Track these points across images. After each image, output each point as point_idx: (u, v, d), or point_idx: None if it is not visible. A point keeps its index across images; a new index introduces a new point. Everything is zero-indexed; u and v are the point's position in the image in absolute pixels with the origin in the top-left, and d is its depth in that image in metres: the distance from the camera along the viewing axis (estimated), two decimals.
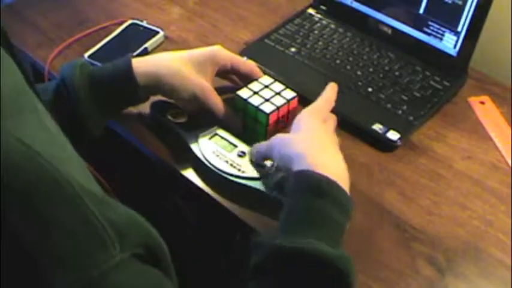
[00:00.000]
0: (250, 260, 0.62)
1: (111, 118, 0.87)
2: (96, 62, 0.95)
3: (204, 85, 0.83)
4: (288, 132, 0.77)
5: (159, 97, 0.87)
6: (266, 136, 0.82)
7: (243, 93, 0.84)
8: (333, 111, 0.82)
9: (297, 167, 0.68)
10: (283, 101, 0.84)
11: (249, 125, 0.85)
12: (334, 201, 0.64)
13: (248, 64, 0.89)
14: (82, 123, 0.80)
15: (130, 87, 0.80)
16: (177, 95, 0.83)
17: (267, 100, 0.83)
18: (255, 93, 0.84)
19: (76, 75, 0.78)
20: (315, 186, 0.64)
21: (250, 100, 0.83)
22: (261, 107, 0.82)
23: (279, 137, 0.75)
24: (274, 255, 0.60)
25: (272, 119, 0.83)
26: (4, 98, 0.45)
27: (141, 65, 0.81)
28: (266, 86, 0.86)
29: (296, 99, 0.86)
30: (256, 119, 0.83)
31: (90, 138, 0.82)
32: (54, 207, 0.44)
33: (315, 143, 0.72)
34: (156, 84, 0.81)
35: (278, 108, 0.83)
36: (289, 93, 0.85)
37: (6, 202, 0.42)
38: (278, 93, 0.85)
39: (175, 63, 0.82)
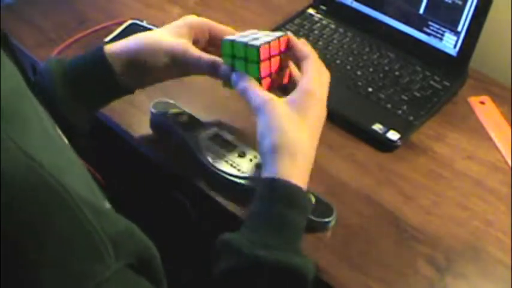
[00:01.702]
0: (221, 261, 0.63)
1: (94, 109, 0.83)
2: None
3: (181, 41, 0.78)
4: (287, 94, 0.71)
5: (159, 97, 0.87)
6: (261, 81, 0.73)
7: (229, 36, 0.76)
8: (333, 111, 0.80)
9: (269, 163, 0.67)
10: (273, 37, 0.74)
11: (239, 71, 0.74)
12: (303, 211, 0.66)
13: (228, 29, 0.82)
14: (63, 117, 0.74)
15: (102, 67, 0.77)
16: (155, 62, 0.77)
17: (255, 39, 0.73)
18: (242, 37, 0.75)
19: (52, 66, 0.77)
20: (285, 197, 0.65)
21: (238, 40, 0.73)
22: (251, 43, 0.72)
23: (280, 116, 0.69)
24: (253, 264, 0.61)
25: (264, 54, 0.71)
26: (4, 102, 0.44)
27: (112, 45, 0.78)
28: (252, 34, 0.77)
29: (286, 39, 0.75)
30: (246, 59, 0.73)
31: (77, 133, 0.78)
32: (52, 218, 0.44)
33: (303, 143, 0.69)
34: (130, 56, 0.77)
35: (268, 42, 0.72)
36: (278, 33, 0.76)
37: (6, 211, 0.42)
38: (265, 35, 0.76)
39: (147, 34, 0.80)
